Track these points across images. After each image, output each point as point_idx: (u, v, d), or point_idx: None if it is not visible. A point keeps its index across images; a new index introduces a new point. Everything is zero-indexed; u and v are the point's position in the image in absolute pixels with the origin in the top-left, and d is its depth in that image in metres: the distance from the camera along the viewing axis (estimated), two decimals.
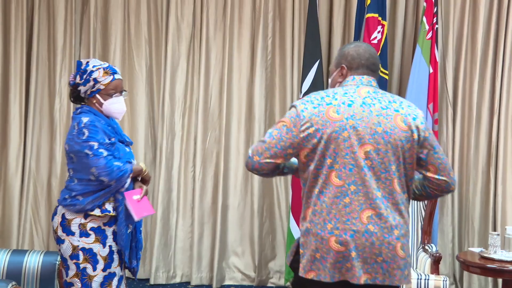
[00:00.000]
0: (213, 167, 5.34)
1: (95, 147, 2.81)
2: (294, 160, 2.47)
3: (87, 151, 2.80)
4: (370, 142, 2.31)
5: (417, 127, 2.36)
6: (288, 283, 4.90)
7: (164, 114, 5.31)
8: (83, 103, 3.03)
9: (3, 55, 5.30)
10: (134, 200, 2.93)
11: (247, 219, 5.36)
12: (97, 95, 2.94)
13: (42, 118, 5.36)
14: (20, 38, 5.29)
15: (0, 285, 2.82)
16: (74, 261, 2.83)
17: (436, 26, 4.83)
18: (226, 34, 5.30)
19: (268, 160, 2.36)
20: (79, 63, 2.99)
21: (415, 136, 2.35)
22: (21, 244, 5.25)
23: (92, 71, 2.93)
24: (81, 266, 2.83)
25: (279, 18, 5.33)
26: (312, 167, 2.34)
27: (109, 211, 2.88)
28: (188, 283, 5.30)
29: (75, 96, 3.02)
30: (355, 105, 2.34)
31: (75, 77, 2.98)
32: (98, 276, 2.85)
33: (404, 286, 3.33)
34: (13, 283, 2.90)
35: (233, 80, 5.35)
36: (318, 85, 4.78)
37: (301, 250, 2.37)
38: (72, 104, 5.17)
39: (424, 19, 4.79)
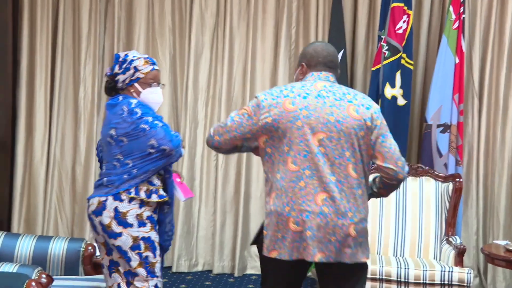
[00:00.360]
0: (236, 156, 5.34)
1: (150, 120, 2.85)
2: None
3: (143, 125, 2.83)
4: (323, 130, 2.51)
5: (371, 116, 2.55)
6: (310, 273, 4.87)
7: (187, 103, 5.32)
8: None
9: (29, 43, 5.35)
10: (178, 182, 3.05)
11: None
12: (136, 84, 2.95)
13: (66, 106, 5.41)
14: (46, 26, 5.33)
15: (26, 271, 2.86)
16: (136, 251, 2.86)
17: (463, 15, 4.75)
18: (250, 24, 5.29)
19: (227, 142, 2.63)
20: (117, 56, 3.01)
21: (369, 124, 2.54)
22: (46, 230, 5.32)
23: (132, 60, 2.96)
24: (143, 255, 2.87)
25: (303, 7, 5.29)
26: (271, 154, 2.57)
27: (166, 196, 2.94)
28: (210, 271, 5.33)
29: (111, 87, 3.02)
30: (310, 97, 2.55)
31: (112, 68, 2.99)
32: (158, 262, 2.93)
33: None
34: (39, 268, 2.94)
35: (257, 69, 5.33)
36: (341, 75, 4.73)
37: (264, 231, 2.59)
38: (96, 92, 5.30)
39: (451, 8, 4.72)
